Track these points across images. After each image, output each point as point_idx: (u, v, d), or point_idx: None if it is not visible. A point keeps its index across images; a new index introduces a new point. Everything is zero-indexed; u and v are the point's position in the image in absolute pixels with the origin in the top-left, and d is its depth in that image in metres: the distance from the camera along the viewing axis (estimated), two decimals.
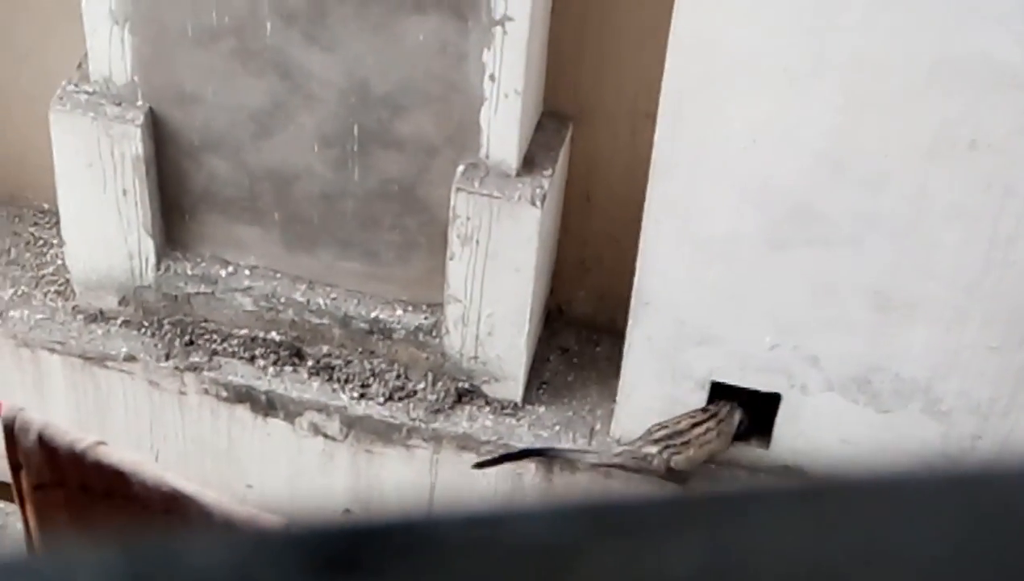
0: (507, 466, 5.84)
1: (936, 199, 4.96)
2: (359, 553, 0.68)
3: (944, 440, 5.52)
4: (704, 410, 5.59)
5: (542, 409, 5.93)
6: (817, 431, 5.62)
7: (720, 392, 5.60)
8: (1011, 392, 5.33)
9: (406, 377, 5.89)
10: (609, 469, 5.65)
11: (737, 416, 5.59)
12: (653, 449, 5.59)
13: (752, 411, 5.61)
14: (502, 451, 5.80)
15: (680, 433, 5.59)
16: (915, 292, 5.18)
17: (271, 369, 5.96)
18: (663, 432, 5.59)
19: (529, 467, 5.84)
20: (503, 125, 5.23)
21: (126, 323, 6.04)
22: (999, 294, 5.11)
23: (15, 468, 2.95)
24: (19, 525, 3.76)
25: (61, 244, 6.09)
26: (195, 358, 5.96)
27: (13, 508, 4.27)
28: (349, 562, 0.68)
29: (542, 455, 5.71)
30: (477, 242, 5.44)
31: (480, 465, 5.72)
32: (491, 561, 0.64)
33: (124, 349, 5.98)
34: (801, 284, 5.26)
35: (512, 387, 5.86)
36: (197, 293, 5.93)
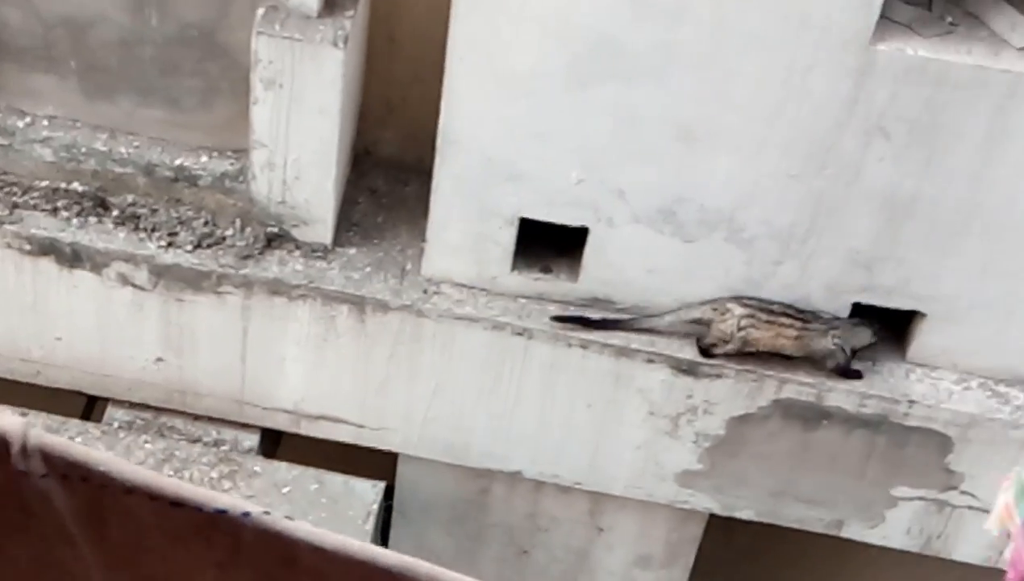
0: (319, 306, 5.86)
1: (734, 30, 5.02)
2: None
3: (747, 267, 5.65)
4: (804, 314, 5.62)
5: (353, 251, 5.94)
6: (624, 262, 5.72)
7: (857, 312, 5.72)
8: (811, 218, 5.47)
9: (214, 224, 5.84)
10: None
11: (831, 341, 5.64)
12: (738, 310, 5.64)
13: (881, 331, 5.74)
14: (315, 293, 5.81)
15: (770, 313, 5.65)
16: (716, 123, 5.26)
17: (75, 220, 5.87)
18: (755, 302, 5.65)
19: (341, 309, 5.86)
20: None
21: None
22: (798, 123, 5.22)
23: None
24: None
25: None
26: None
27: None
28: None
29: (618, 327, 5.79)
30: (280, 86, 5.38)
31: (558, 319, 5.77)
32: None
33: None
34: (605, 118, 5.31)
35: (321, 230, 5.84)
36: None
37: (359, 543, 2.15)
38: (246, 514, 2.14)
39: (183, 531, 2.22)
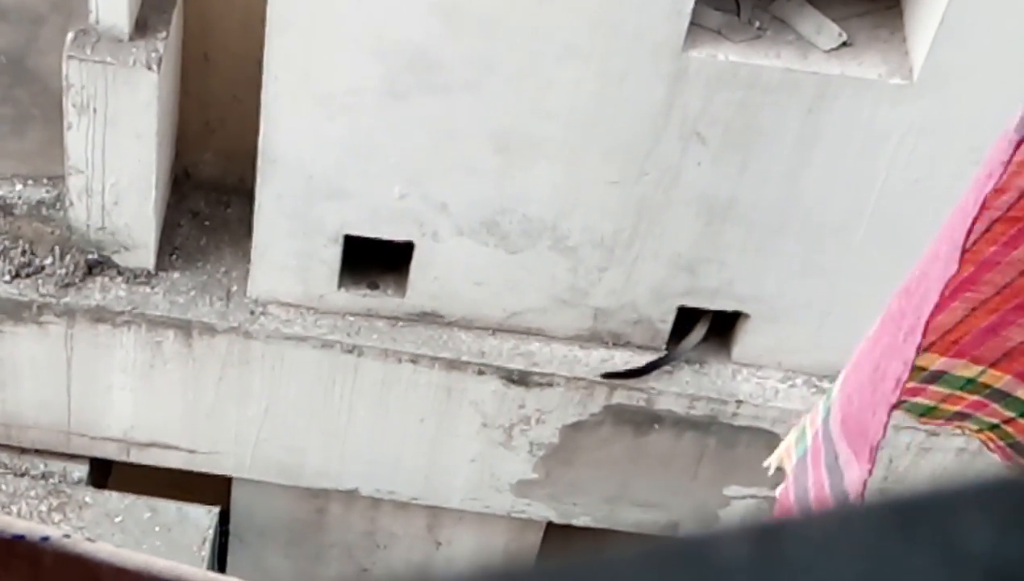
0: (144, 332, 5.78)
1: (549, 40, 5.05)
2: None
3: (573, 275, 5.69)
4: None
5: (176, 275, 5.87)
6: (451, 276, 5.72)
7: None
8: (633, 224, 5.52)
9: (32, 253, 5.74)
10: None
11: None
12: None
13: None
14: (139, 319, 5.74)
15: None
16: (535, 133, 5.29)
17: None
18: None
19: (167, 334, 5.79)
20: None
21: None
22: (615, 130, 5.26)
23: None
24: None
25: None
26: None
27: None
28: None
29: (665, 363, 5.78)
30: (94, 110, 5.31)
31: (609, 376, 5.73)
32: None
33: None
34: (424, 132, 5.31)
35: (144, 255, 5.77)
36: None
37: (164, 562, 2.12)
38: (45, 538, 2.11)
39: None
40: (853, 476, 2.57)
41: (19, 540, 2.09)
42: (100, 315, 5.76)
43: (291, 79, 5.19)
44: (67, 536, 2.09)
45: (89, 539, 2.10)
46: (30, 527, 2.09)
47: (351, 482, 6.31)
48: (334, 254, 5.68)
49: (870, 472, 2.52)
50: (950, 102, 5.10)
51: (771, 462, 3.03)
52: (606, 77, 5.12)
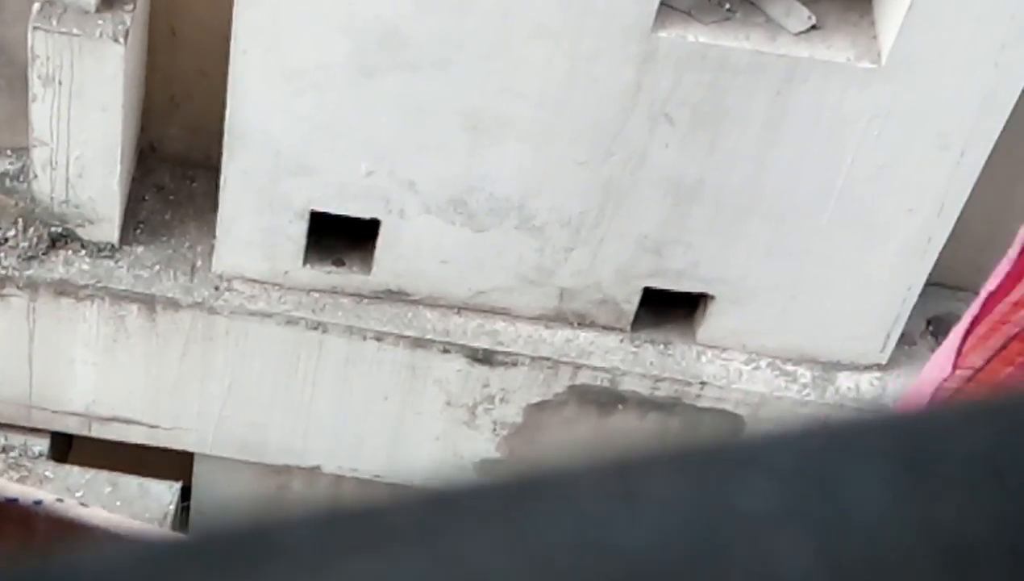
0: (107, 306, 5.75)
1: (519, 19, 5.04)
2: None
3: (539, 254, 5.69)
4: None
5: (140, 249, 5.84)
6: (417, 254, 5.71)
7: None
8: (600, 204, 5.52)
9: None
10: None
11: None
12: None
13: None
14: (103, 293, 5.71)
15: None
16: (504, 112, 5.28)
17: None
18: None
19: (131, 308, 5.76)
20: None
21: None
22: (584, 110, 5.26)
23: None
24: None
25: None
26: None
27: None
28: None
29: None
30: (60, 82, 5.27)
31: None
32: None
33: None
34: (393, 109, 5.29)
35: (108, 229, 5.74)
36: None
37: (157, 529, 2.12)
38: (38, 502, 2.10)
39: None
40: None
41: (12, 503, 2.09)
42: (63, 288, 5.72)
43: (259, 54, 5.17)
44: (60, 500, 2.09)
45: (83, 503, 2.09)
46: (23, 491, 2.08)
47: (314, 459, 6.30)
48: (300, 230, 5.66)
49: None
50: (918, 86, 5.11)
51: None
52: (575, 57, 5.12)
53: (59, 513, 2.13)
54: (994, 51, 5.01)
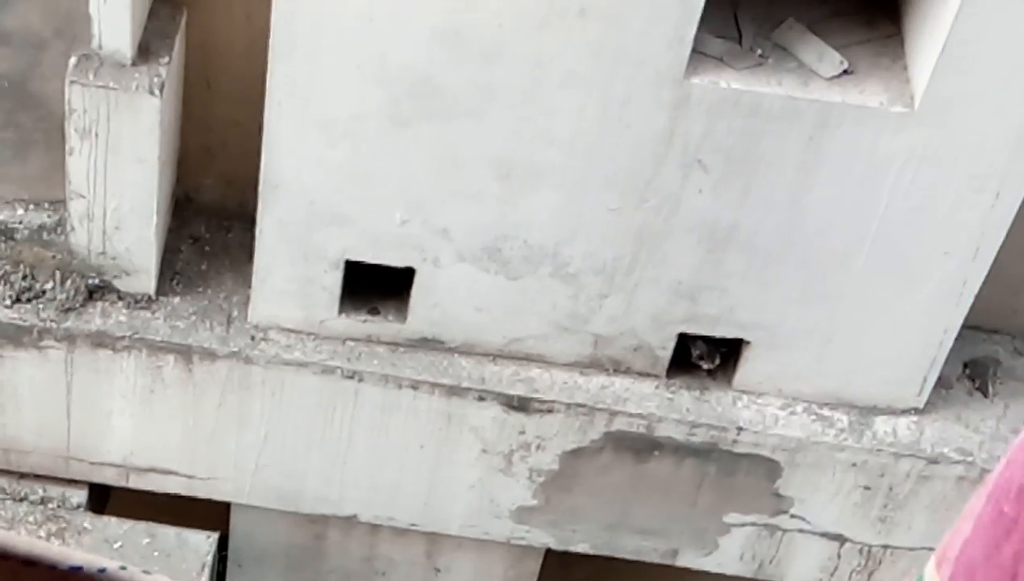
0: (144, 357, 5.78)
1: (551, 67, 5.06)
2: None
3: (574, 301, 5.69)
4: None
5: (177, 300, 5.87)
6: (452, 302, 5.72)
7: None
8: (633, 251, 5.53)
9: (33, 278, 5.74)
10: None
11: None
12: None
13: None
14: (140, 344, 5.74)
15: None
16: (537, 159, 5.29)
17: None
18: None
19: (167, 359, 5.78)
20: (114, 13, 5.10)
21: None
22: (617, 157, 5.27)
23: None
24: None
25: None
26: None
27: None
28: None
29: None
30: (96, 135, 5.31)
31: None
32: None
33: None
34: (426, 158, 5.31)
35: (144, 280, 5.77)
36: None
37: None
38: (102, 570, 2.11)
39: None
40: None
41: (76, 571, 2.09)
42: (100, 340, 5.75)
43: (293, 104, 5.20)
44: (123, 568, 2.09)
45: (145, 571, 2.09)
46: (87, 558, 2.08)
47: (350, 508, 6.30)
48: (335, 279, 5.68)
49: None
50: (951, 130, 5.11)
51: None
52: (608, 104, 5.13)
53: (122, 580, 2.13)
54: None
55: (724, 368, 5.96)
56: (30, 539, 2.14)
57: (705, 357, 5.87)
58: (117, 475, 6.19)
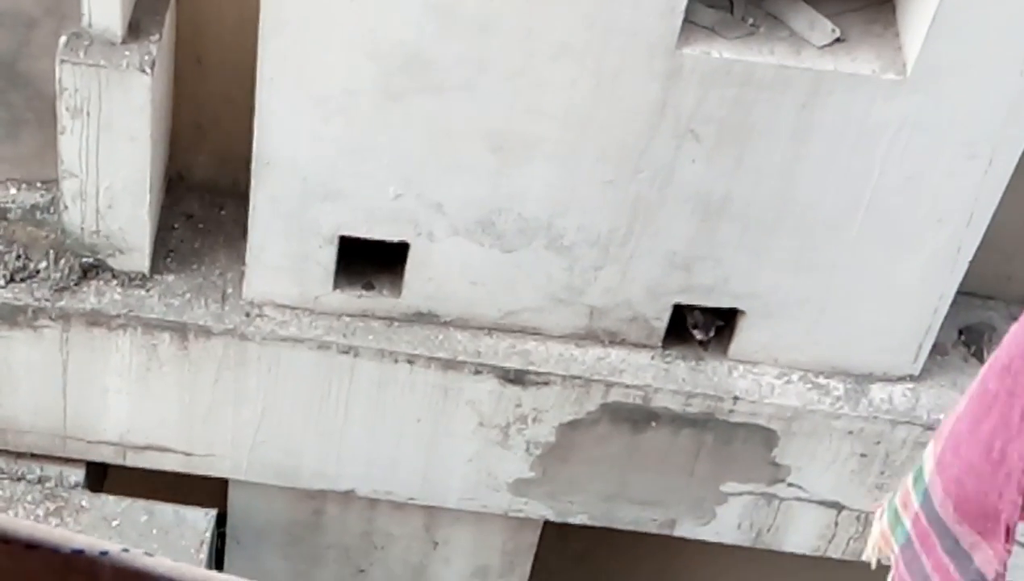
0: (140, 335, 5.78)
1: (542, 38, 5.05)
2: None
3: (568, 273, 5.69)
4: None
5: (171, 278, 5.86)
6: (447, 275, 5.72)
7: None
8: (628, 222, 5.52)
9: (27, 257, 5.73)
10: None
11: None
12: None
13: None
14: (135, 322, 5.74)
15: None
16: (529, 132, 5.29)
17: None
18: None
19: (163, 337, 5.78)
20: None
21: None
22: (609, 129, 5.27)
23: None
24: None
25: None
26: None
27: None
28: None
29: None
30: (88, 114, 5.30)
31: None
32: None
33: None
34: (419, 132, 5.31)
35: (138, 258, 5.76)
36: None
37: (223, 576, 2.12)
38: (104, 553, 2.10)
39: (39, 574, 2.17)
40: (985, 557, 2.56)
41: (78, 554, 2.09)
42: (95, 319, 5.75)
43: (285, 80, 5.19)
44: (125, 550, 2.09)
45: (148, 553, 2.09)
46: (90, 542, 2.08)
47: (348, 483, 6.30)
48: (329, 255, 5.67)
49: (1008, 552, 2.51)
50: (944, 97, 5.11)
51: (869, 554, 3.01)
52: (600, 76, 5.12)
53: (125, 563, 2.13)
54: (1020, 59, 5.00)
55: (720, 338, 5.97)
56: (32, 523, 2.14)
57: (700, 327, 5.87)
58: (114, 453, 6.20)
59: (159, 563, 2.10)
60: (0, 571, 2.19)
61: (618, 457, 6.14)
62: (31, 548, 2.12)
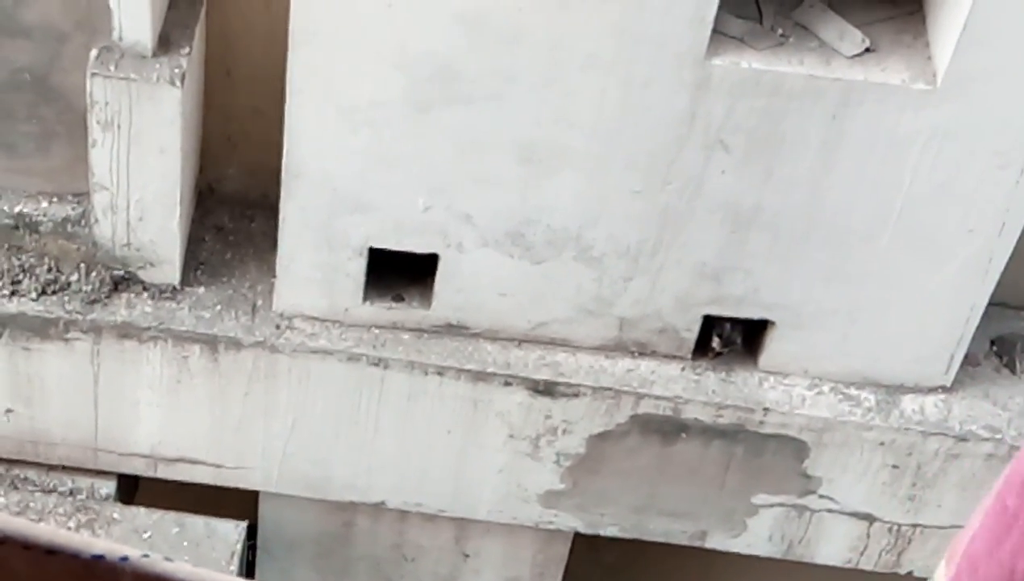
0: (170, 347, 5.79)
1: (571, 49, 5.05)
2: None
3: (598, 284, 5.68)
4: None
5: (201, 290, 5.88)
6: (476, 287, 5.72)
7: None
8: (657, 233, 5.51)
9: (58, 270, 5.75)
10: None
11: None
12: None
13: None
14: (165, 334, 5.75)
15: None
16: (558, 143, 5.29)
17: None
18: None
19: (193, 349, 5.80)
20: (134, 5, 5.10)
21: None
22: (639, 139, 5.26)
23: None
24: None
25: None
26: None
27: None
28: None
29: None
30: (119, 127, 5.32)
31: None
32: None
33: None
34: (448, 144, 5.31)
35: (169, 271, 5.78)
36: None
37: None
38: (124, 558, 2.11)
39: (59, 579, 2.18)
40: None
41: (98, 560, 2.09)
42: (126, 331, 5.77)
43: (314, 92, 5.20)
44: (145, 556, 2.09)
45: (167, 559, 2.09)
46: (110, 547, 2.08)
47: (378, 495, 6.31)
48: (359, 267, 5.68)
49: None
50: (974, 106, 5.09)
51: None
52: (629, 86, 5.12)
53: (145, 569, 2.13)
54: None
55: (750, 349, 5.95)
56: (52, 528, 2.15)
57: (721, 339, 5.85)
58: (145, 465, 6.21)
59: (179, 568, 2.10)
60: (21, 576, 2.20)
61: (648, 469, 6.12)
62: (51, 553, 2.13)
